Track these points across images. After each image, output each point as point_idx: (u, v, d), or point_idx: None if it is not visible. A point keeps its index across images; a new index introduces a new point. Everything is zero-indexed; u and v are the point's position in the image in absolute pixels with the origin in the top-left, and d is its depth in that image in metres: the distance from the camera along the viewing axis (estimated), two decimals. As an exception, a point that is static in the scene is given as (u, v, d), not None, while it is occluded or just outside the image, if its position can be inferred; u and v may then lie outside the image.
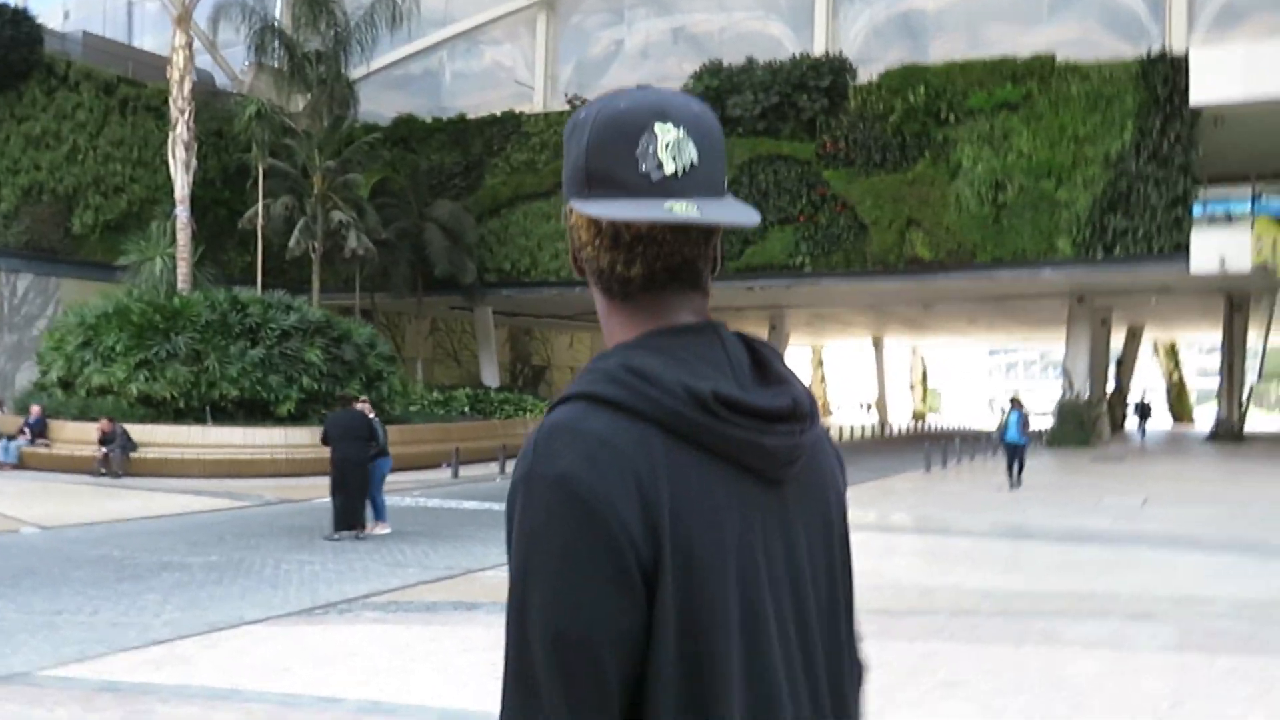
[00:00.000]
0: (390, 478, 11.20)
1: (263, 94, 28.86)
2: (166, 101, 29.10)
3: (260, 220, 22.48)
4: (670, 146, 0.91)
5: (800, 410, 0.94)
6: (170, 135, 20.61)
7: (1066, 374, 28.82)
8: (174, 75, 20.44)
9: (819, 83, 27.56)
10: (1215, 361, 69.44)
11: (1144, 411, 33.09)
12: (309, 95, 26.67)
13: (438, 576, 8.42)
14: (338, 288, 28.19)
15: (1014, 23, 28.35)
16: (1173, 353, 49.57)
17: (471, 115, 32.16)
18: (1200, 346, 59.85)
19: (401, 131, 31.44)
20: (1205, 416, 50.71)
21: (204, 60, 33.91)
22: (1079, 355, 28.98)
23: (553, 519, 0.83)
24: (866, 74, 27.78)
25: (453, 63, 34.86)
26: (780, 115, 27.88)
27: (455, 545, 10.18)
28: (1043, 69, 25.69)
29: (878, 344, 51.69)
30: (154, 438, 16.69)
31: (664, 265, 0.93)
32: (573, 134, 0.95)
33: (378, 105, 31.90)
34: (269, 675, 5.28)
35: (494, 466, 19.15)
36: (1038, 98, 25.68)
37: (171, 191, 27.62)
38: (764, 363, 0.96)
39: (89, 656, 5.72)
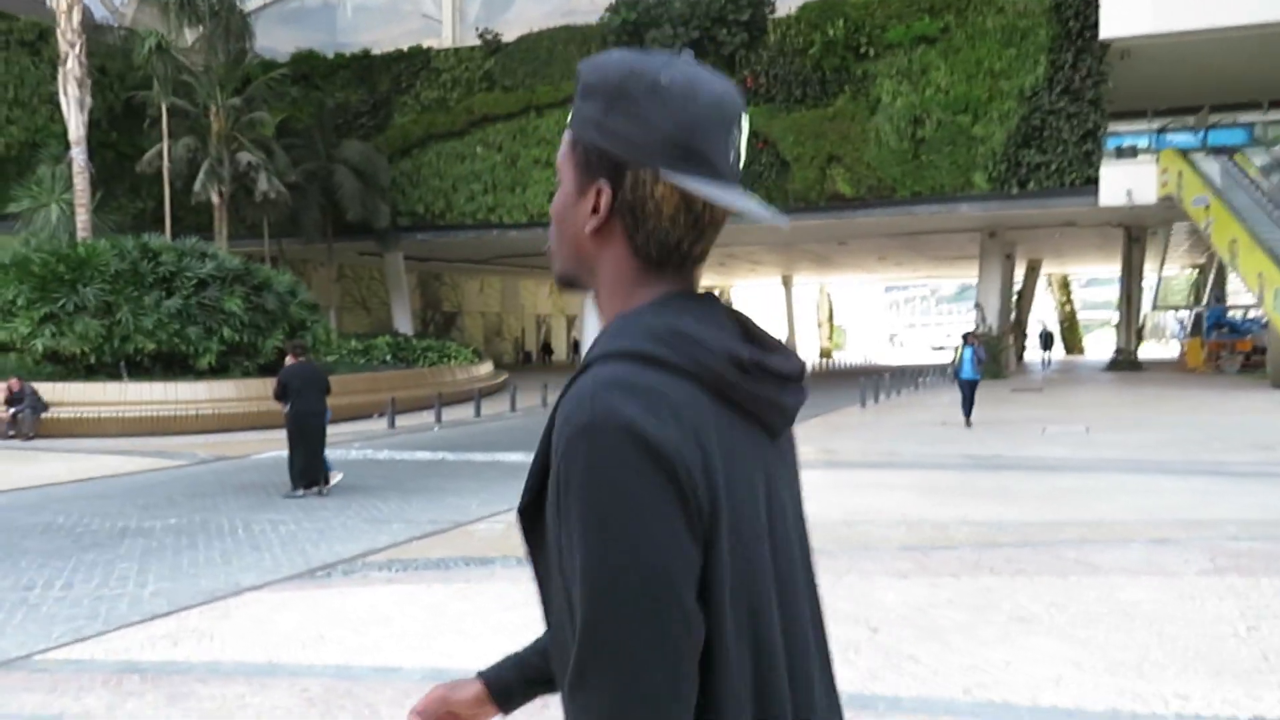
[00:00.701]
0: (328, 430, 10.64)
1: (147, 27, 26.96)
2: (42, 36, 27.03)
3: (164, 163, 21.03)
4: (742, 140, 0.99)
5: (803, 371, 1.00)
6: (60, 71, 18.99)
7: (980, 308, 29.52)
8: (60, 5, 18.76)
9: (738, 16, 27.19)
10: (1095, 294, 72.48)
11: (1047, 341, 34.17)
12: (201, 29, 25.02)
13: (426, 532, 8.00)
14: (241, 235, 26.79)
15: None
16: (1065, 286, 51.45)
17: (376, 51, 30.76)
18: (1080, 280, 62.26)
19: (302, 68, 29.83)
20: (1093, 347, 53.01)
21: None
22: (991, 290, 29.69)
23: (625, 465, 0.83)
24: (785, 7, 27.52)
25: (351, -5, 33.12)
26: (700, 50, 27.34)
27: (428, 498, 9.74)
28: (959, 1, 25.82)
29: (787, 283, 52.22)
30: (65, 396, 15.59)
31: (710, 246, 1.01)
32: (649, 93, 0.93)
33: (272, 41, 30.19)
34: (305, 646, 4.86)
35: (427, 416, 18.61)
36: (955, 31, 25.84)
37: (55, 134, 25.87)
38: (752, 328, 1.00)
39: (88, 635, 5.19)
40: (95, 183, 19.72)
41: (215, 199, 23.34)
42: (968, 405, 15.64)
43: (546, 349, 49.42)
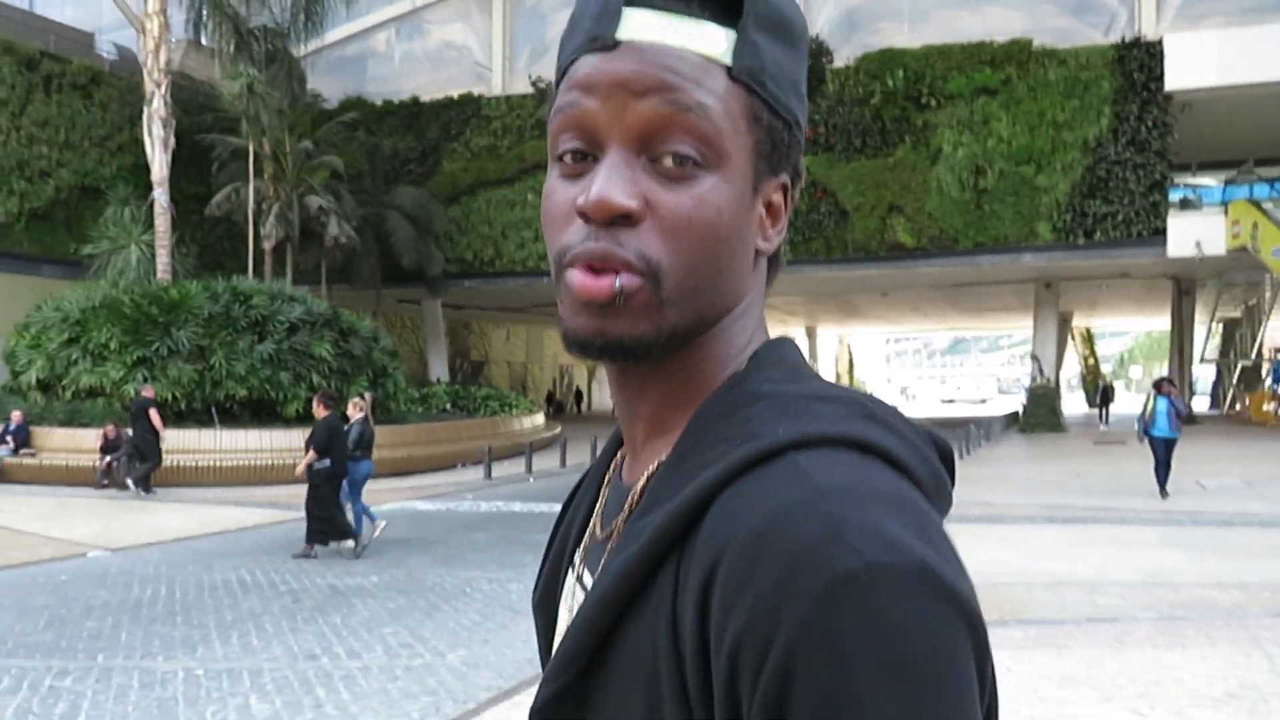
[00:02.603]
0: (414, 481, 9.99)
1: (194, 72, 26.68)
2: (94, 80, 26.73)
3: (248, 206, 20.57)
4: None
5: None
6: (145, 111, 18.55)
7: (1036, 359, 29.25)
8: (148, 44, 18.42)
9: (798, 66, 27.17)
10: (1105, 348, 72.72)
11: (1107, 396, 33.92)
12: (254, 72, 24.76)
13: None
14: (296, 280, 26.32)
15: (978, 6, 28.30)
16: (1089, 338, 51.45)
17: (424, 98, 30.58)
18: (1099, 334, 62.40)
19: (351, 114, 29.63)
20: (1122, 401, 52.84)
21: (128, 36, 31.32)
22: (1047, 340, 29.48)
23: (938, 635, 0.49)
24: (843, 57, 27.56)
25: (400, 43, 33.06)
26: (757, 100, 27.32)
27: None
28: (1020, 53, 25.91)
29: (811, 334, 52.03)
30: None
31: None
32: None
33: (320, 87, 29.99)
34: None
35: (512, 466, 18.00)
36: (1016, 83, 25.89)
37: (104, 177, 25.49)
38: None
39: (477, 709, 4.61)
40: (175, 224, 19.21)
41: (268, 244, 22.90)
42: (1163, 471, 12.46)
43: (579, 397, 48.88)
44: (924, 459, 0.58)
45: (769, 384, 0.60)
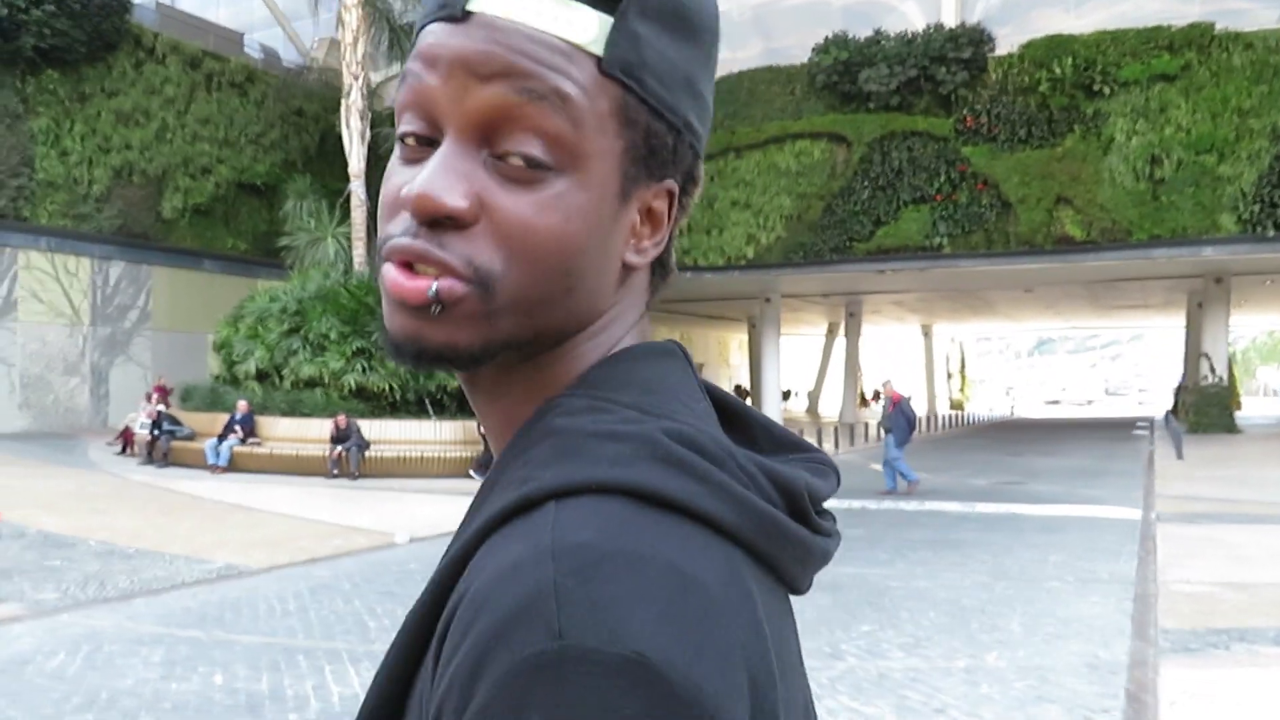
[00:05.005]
0: None
1: (335, 69, 26.89)
2: (250, 78, 27.06)
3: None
4: None
5: (837, 485, 0.60)
6: (343, 104, 18.52)
7: (1207, 357, 27.96)
8: (345, 37, 18.40)
9: (959, 54, 26.34)
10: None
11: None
12: (397, 68, 24.80)
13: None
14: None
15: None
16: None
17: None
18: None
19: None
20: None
21: (271, 35, 31.77)
22: (1218, 338, 28.18)
23: None
24: (1006, 45, 26.69)
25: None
26: (915, 89, 26.65)
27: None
28: (1201, 38, 24.76)
29: (927, 332, 50.91)
30: (384, 434, 14.81)
31: None
32: (716, 32, 0.58)
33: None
34: None
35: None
36: (1197, 69, 24.73)
37: (259, 173, 25.82)
38: (737, 410, 0.60)
39: None
40: (370, 216, 19.24)
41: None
42: None
43: (740, 394, 47.96)
44: (743, 505, 0.48)
45: (563, 417, 0.51)
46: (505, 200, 0.50)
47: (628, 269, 0.57)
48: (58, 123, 22.15)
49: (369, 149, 22.07)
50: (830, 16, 29.70)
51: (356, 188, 18.16)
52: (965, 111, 26.38)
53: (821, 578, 0.60)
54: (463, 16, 0.51)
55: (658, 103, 0.53)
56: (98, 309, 23.74)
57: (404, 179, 0.53)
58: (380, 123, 22.56)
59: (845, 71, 27.16)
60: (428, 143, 0.52)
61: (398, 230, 0.52)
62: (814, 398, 47.40)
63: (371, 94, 18.63)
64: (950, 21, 27.31)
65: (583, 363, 0.56)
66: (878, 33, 27.16)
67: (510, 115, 0.50)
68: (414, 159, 0.53)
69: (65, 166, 22.39)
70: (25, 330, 22.12)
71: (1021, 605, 6.53)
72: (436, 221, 0.50)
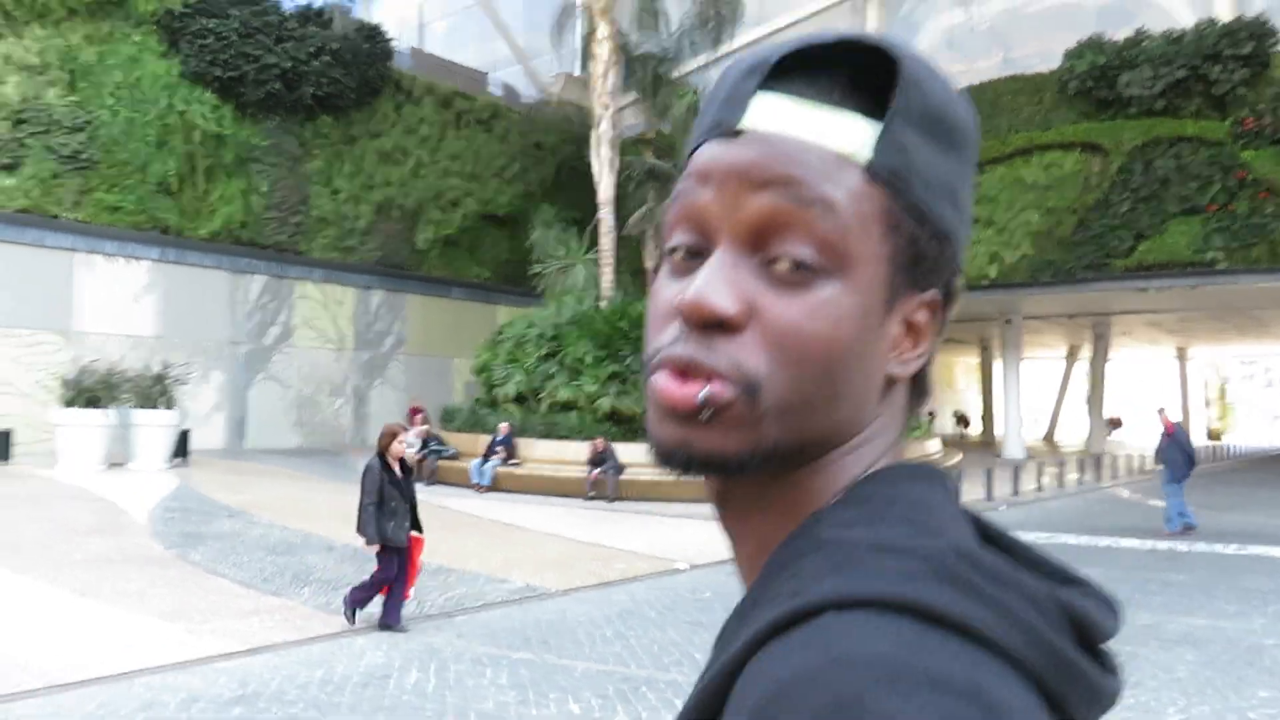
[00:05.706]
0: None
1: (572, 102, 27.57)
2: (494, 115, 28.30)
3: (650, 226, 20.69)
4: None
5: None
6: (593, 134, 19.00)
7: None
8: (597, 69, 18.88)
9: (1237, 50, 24.06)
10: None
11: None
12: (634, 96, 25.12)
13: None
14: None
15: None
16: None
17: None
18: None
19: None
20: None
21: (511, 74, 33.14)
22: None
23: None
24: (1284, 40, 24.18)
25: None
26: (1182, 91, 24.53)
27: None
28: None
29: (1182, 356, 46.87)
30: (638, 458, 14.84)
31: None
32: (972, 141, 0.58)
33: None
34: None
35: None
36: None
37: (501, 204, 26.84)
38: (997, 536, 0.54)
39: None
40: (617, 243, 19.57)
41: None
42: None
43: (961, 421, 45.86)
44: (1033, 634, 0.45)
45: (835, 529, 0.50)
46: (775, 304, 0.51)
47: (890, 382, 0.55)
48: (329, 164, 23.90)
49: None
50: (1082, 19, 27.93)
51: (605, 214, 18.48)
52: (1245, 113, 24.07)
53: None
54: (737, 133, 0.52)
55: (924, 209, 0.53)
56: (359, 335, 25.37)
57: (674, 291, 0.53)
58: (624, 151, 22.98)
59: (1102, 76, 25.43)
60: (697, 255, 0.53)
61: (667, 339, 0.52)
62: (1051, 425, 44.61)
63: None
64: (1225, 15, 25.01)
65: (842, 478, 0.54)
66: (1139, 32, 25.28)
67: (781, 221, 0.51)
68: (683, 272, 0.54)
69: (335, 204, 24.11)
70: (300, 355, 23.91)
71: None
72: (707, 326, 0.50)
